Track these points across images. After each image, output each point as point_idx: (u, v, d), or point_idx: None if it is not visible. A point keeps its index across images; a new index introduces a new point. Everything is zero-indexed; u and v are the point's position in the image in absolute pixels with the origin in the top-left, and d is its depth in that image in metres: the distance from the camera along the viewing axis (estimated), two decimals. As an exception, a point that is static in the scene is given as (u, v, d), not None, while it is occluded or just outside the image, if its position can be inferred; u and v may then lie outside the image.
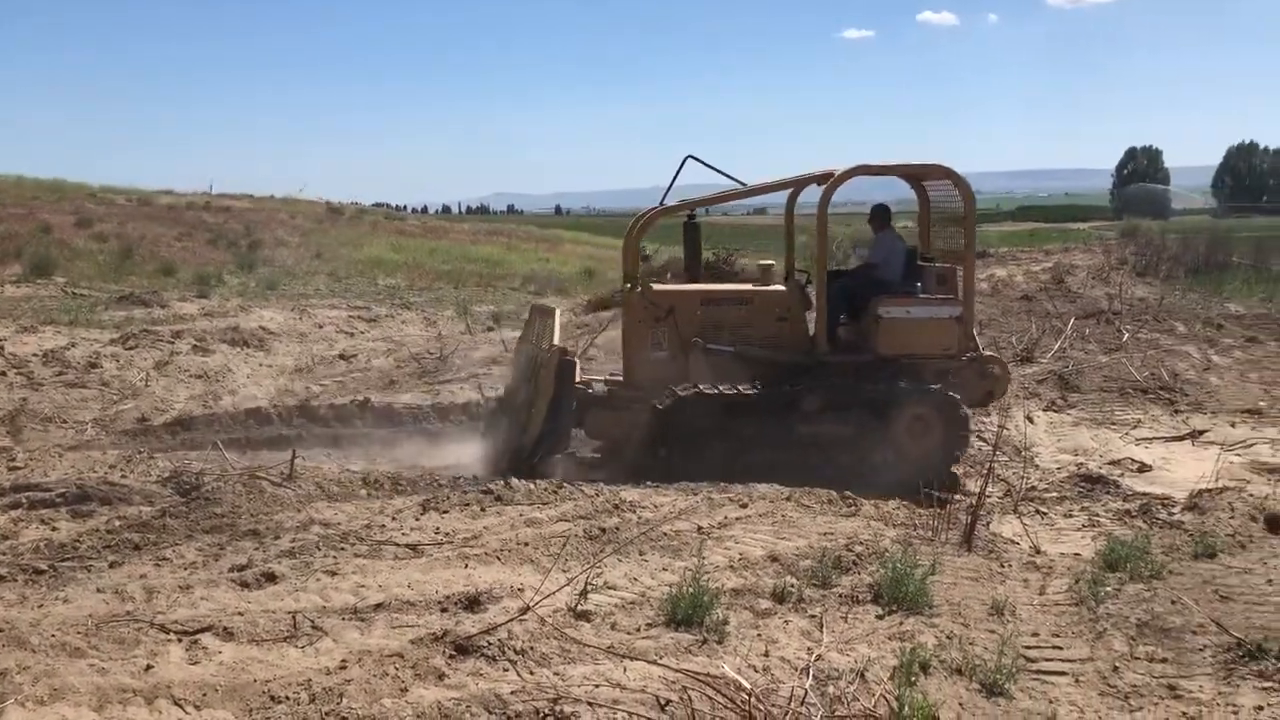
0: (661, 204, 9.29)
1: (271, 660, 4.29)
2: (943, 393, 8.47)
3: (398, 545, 6.00)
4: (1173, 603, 5.42)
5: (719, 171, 9.56)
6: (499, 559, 5.81)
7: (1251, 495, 7.51)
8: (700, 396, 8.13)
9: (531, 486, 7.18)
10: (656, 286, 9.05)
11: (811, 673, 4.31)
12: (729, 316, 8.86)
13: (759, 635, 4.85)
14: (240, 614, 4.79)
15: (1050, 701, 4.36)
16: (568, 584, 5.07)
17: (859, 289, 8.99)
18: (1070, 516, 7.52)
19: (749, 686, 3.87)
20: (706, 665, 4.36)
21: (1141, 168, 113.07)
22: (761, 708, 3.81)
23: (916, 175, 9.61)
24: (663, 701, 3.95)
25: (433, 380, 12.12)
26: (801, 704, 4.01)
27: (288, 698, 3.94)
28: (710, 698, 3.96)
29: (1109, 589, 5.62)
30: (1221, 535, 6.60)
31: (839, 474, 7.90)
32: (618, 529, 6.44)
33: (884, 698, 3.89)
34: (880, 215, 9.56)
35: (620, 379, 9.07)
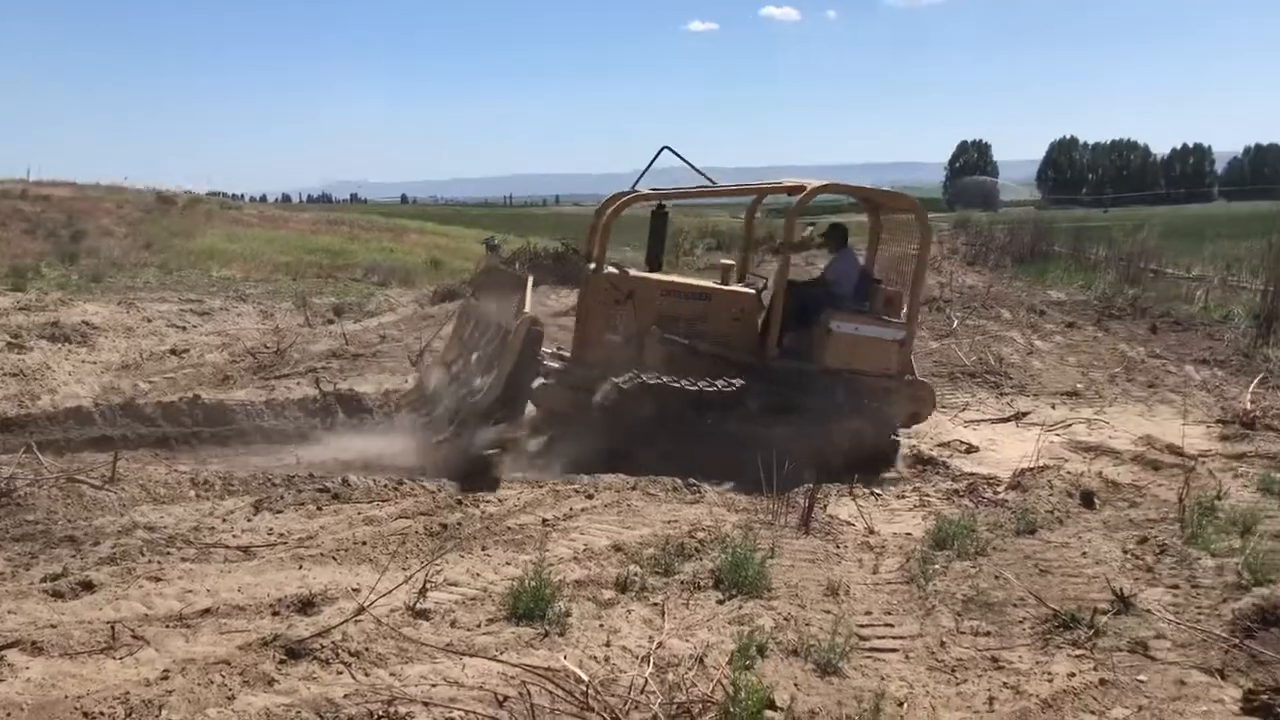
0: (634, 189, 9.32)
1: (86, 674, 4.05)
2: (878, 410, 8.74)
3: (228, 548, 5.77)
4: (996, 578, 5.66)
5: (692, 167, 9.68)
6: (335, 559, 5.65)
7: (1069, 473, 7.91)
8: (644, 388, 8.14)
9: (371, 484, 7.02)
10: (621, 270, 9.07)
11: (652, 661, 4.34)
12: (686, 310, 8.95)
13: (601, 626, 4.85)
14: (52, 626, 4.52)
15: (881, 678, 4.49)
16: (406, 582, 4.97)
17: (813, 301, 9.19)
18: (903, 497, 7.77)
19: (586, 678, 3.87)
20: (548, 659, 4.34)
21: (972, 161, 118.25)
22: (600, 698, 3.80)
23: (878, 202, 10.00)
24: (501, 698, 3.91)
25: (269, 375, 11.71)
26: (641, 692, 4.03)
27: (102, 713, 3.73)
28: (550, 691, 3.94)
29: (938, 567, 5.84)
30: (1041, 512, 6.94)
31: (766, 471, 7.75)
32: (460, 525, 6.34)
33: (720, 682, 3.94)
34: (838, 234, 9.79)
35: (568, 355, 9.09)
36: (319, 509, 6.61)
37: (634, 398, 8.10)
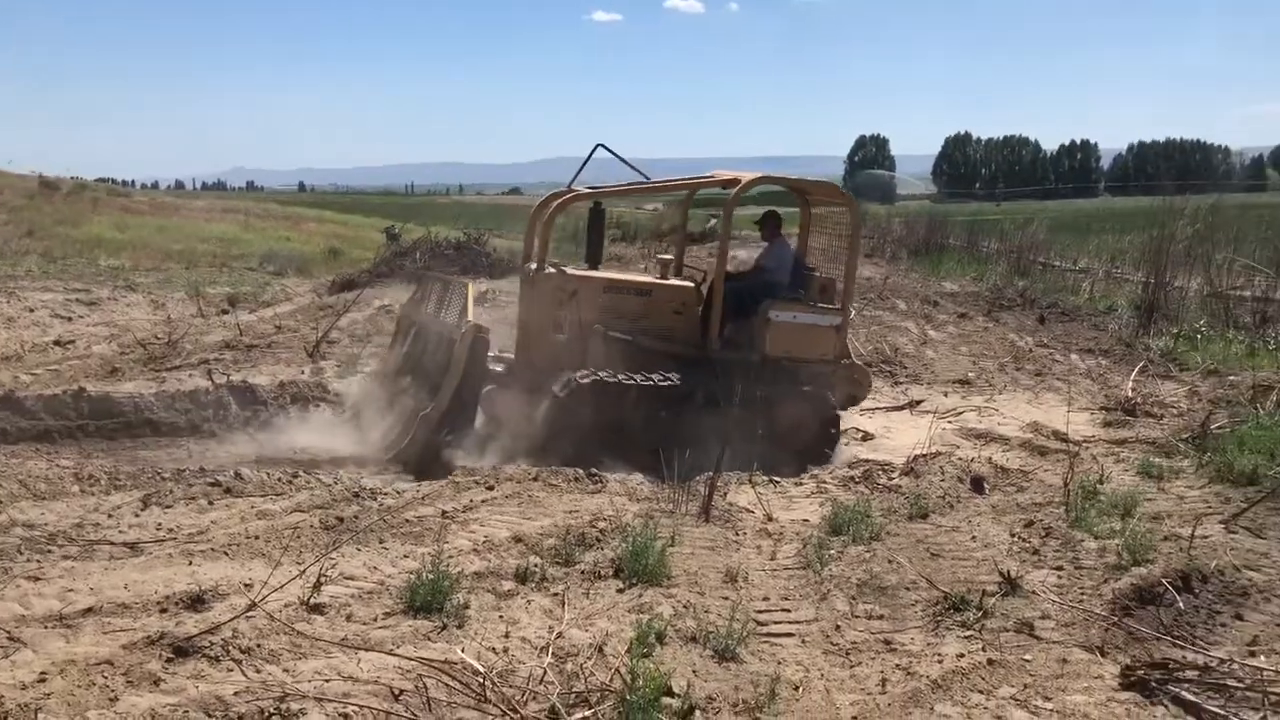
0: (569, 188, 9.37)
1: (-42, 679, 3.89)
2: (819, 394, 8.95)
3: (113, 544, 5.58)
4: (889, 562, 5.79)
5: (626, 163, 9.81)
6: (227, 554, 5.51)
7: (960, 459, 8.13)
8: (601, 384, 8.22)
9: (264, 477, 6.87)
10: (567, 270, 9.04)
11: (551, 651, 4.33)
12: (629, 305, 8.97)
13: (501, 617, 4.82)
14: (-79, 632, 4.32)
15: (778, 662, 4.56)
16: (300, 576, 4.87)
17: (750, 291, 9.28)
18: (800, 484, 7.89)
19: (484, 670, 3.85)
20: (445, 652, 4.29)
21: (870, 155, 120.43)
22: (498, 690, 3.78)
23: (806, 191, 10.14)
24: (396, 692, 3.86)
25: (160, 367, 11.35)
26: (540, 683, 4.02)
27: (-25, 718, 3.58)
28: (446, 685, 3.90)
29: (833, 552, 5.95)
30: (934, 497, 7.12)
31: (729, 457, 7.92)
32: (357, 517, 6.25)
33: (619, 671, 3.95)
34: (772, 222, 9.91)
35: (511, 356, 9.07)
36: (210, 503, 6.44)
37: (590, 393, 8.16)
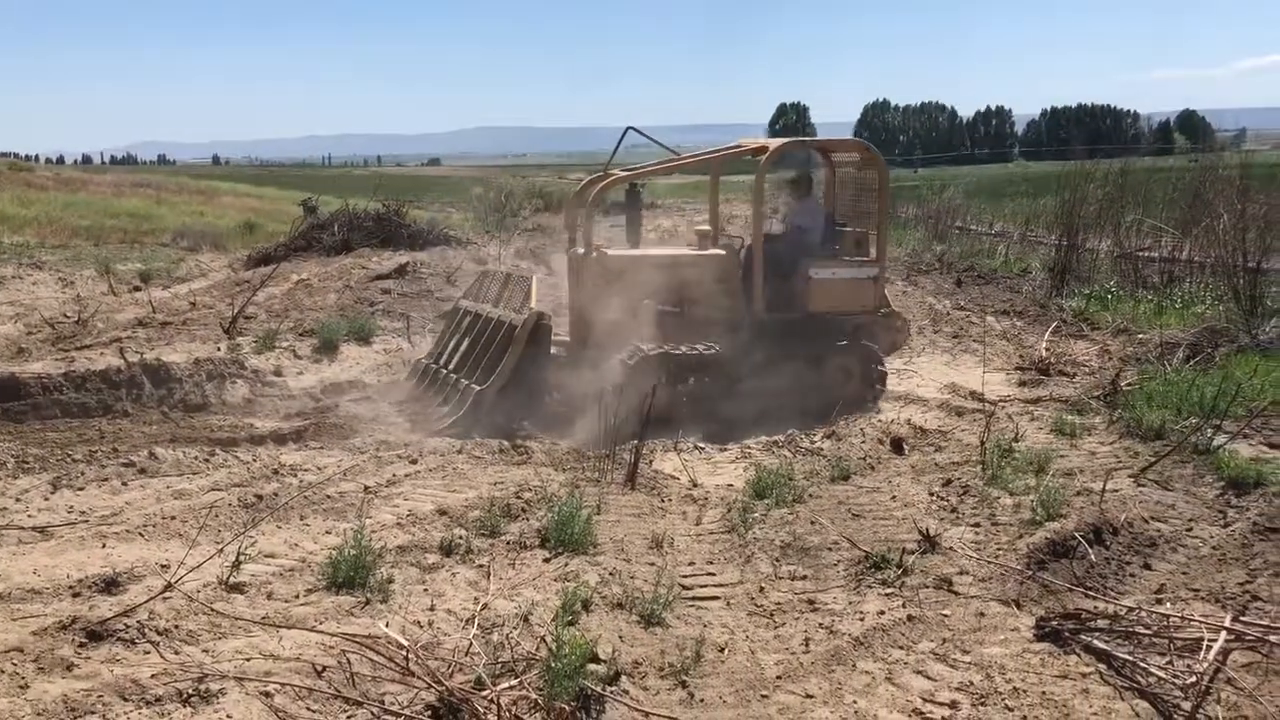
0: (605, 173, 9.61)
1: None
2: (865, 344, 9.38)
3: (22, 529, 5.44)
4: (812, 524, 5.87)
5: (656, 142, 10.25)
6: (143, 535, 5.40)
7: (880, 421, 8.25)
8: (665, 356, 8.62)
9: (180, 456, 6.72)
10: (609, 252, 9.25)
11: (476, 622, 4.31)
12: (673, 279, 9.20)
13: (425, 590, 4.79)
14: None
15: (704, 625, 4.60)
16: (218, 555, 4.78)
17: (788, 252, 9.48)
18: (725, 449, 7.94)
19: (407, 643, 3.82)
20: (369, 627, 4.25)
21: (791, 123, 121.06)
22: (422, 663, 3.76)
23: (832, 149, 10.41)
24: (319, 668, 3.82)
25: (69, 347, 11.03)
26: (465, 654, 4.00)
27: (-122, 711, 3.46)
28: (370, 659, 3.87)
29: (757, 515, 6.01)
30: (855, 459, 7.22)
31: (783, 413, 8.60)
32: (276, 495, 6.15)
33: (544, 640, 3.95)
34: (803, 183, 10.19)
35: (567, 339, 9.38)
36: (124, 484, 6.30)
37: (646, 367, 8.49)
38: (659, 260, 9.45)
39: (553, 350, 9.09)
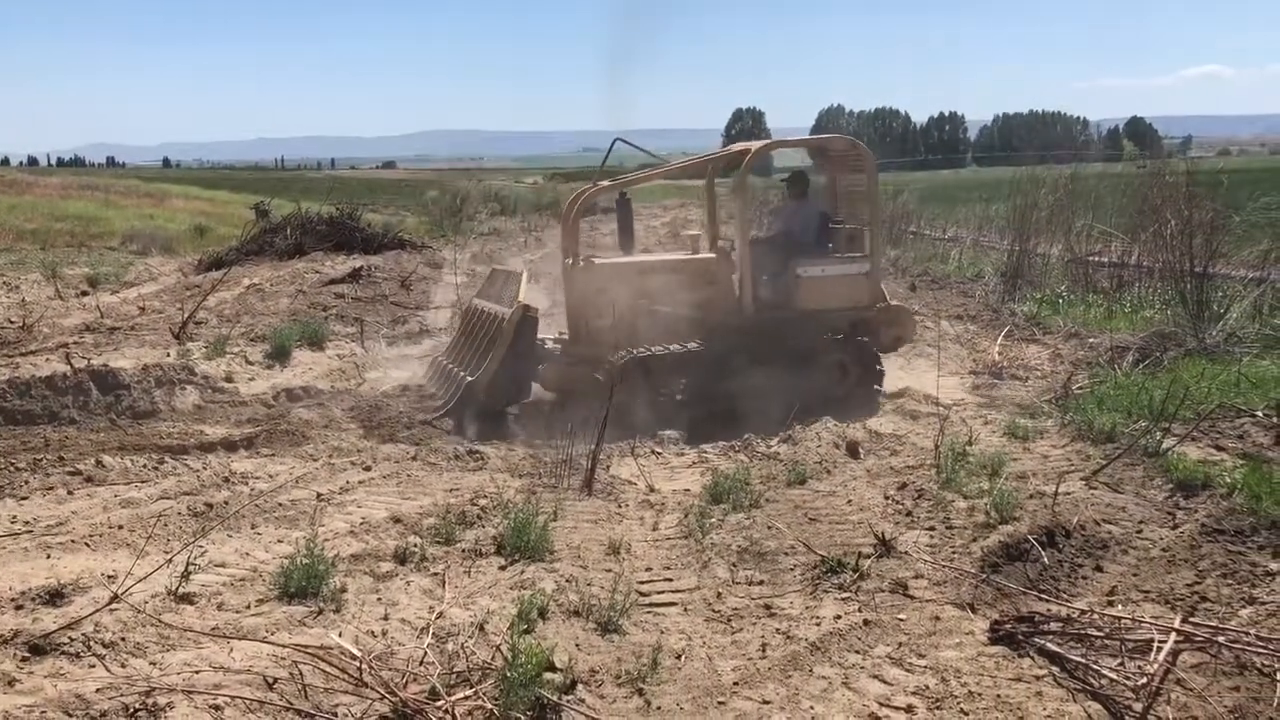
0: (594, 184, 9.79)
1: None
2: (858, 340, 9.52)
3: (-37, 541, 5.30)
4: (769, 528, 5.87)
5: (644, 151, 10.40)
6: (89, 545, 5.30)
7: (835, 424, 8.26)
8: (652, 358, 8.81)
9: (128, 464, 6.60)
10: (596, 260, 9.47)
11: (431, 631, 4.26)
12: (664, 283, 9.35)
13: (379, 599, 4.73)
14: None
15: (661, 632, 4.59)
16: (167, 565, 4.70)
17: (779, 252, 9.62)
18: (682, 454, 7.93)
19: (360, 654, 3.77)
20: (321, 637, 4.19)
21: (747, 128, 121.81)
22: (376, 674, 3.71)
23: (823, 147, 10.54)
24: (270, 680, 3.75)
25: (13, 352, 10.81)
26: (420, 664, 3.96)
27: None
28: (323, 670, 3.81)
29: (714, 520, 6.01)
30: (811, 463, 7.24)
31: (775, 412, 8.57)
32: (227, 503, 6.06)
33: (500, 649, 3.92)
34: (799, 182, 10.40)
35: (566, 337, 9.59)
36: (70, 493, 6.18)
37: (635, 369, 8.69)
38: (648, 266, 9.61)
39: (550, 346, 9.49)
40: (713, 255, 9.86)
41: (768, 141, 10.10)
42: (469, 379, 8.72)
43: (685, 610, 4.87)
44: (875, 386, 9.52)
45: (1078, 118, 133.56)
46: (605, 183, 9.78)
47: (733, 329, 9.23)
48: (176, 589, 4.61)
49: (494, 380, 8.68)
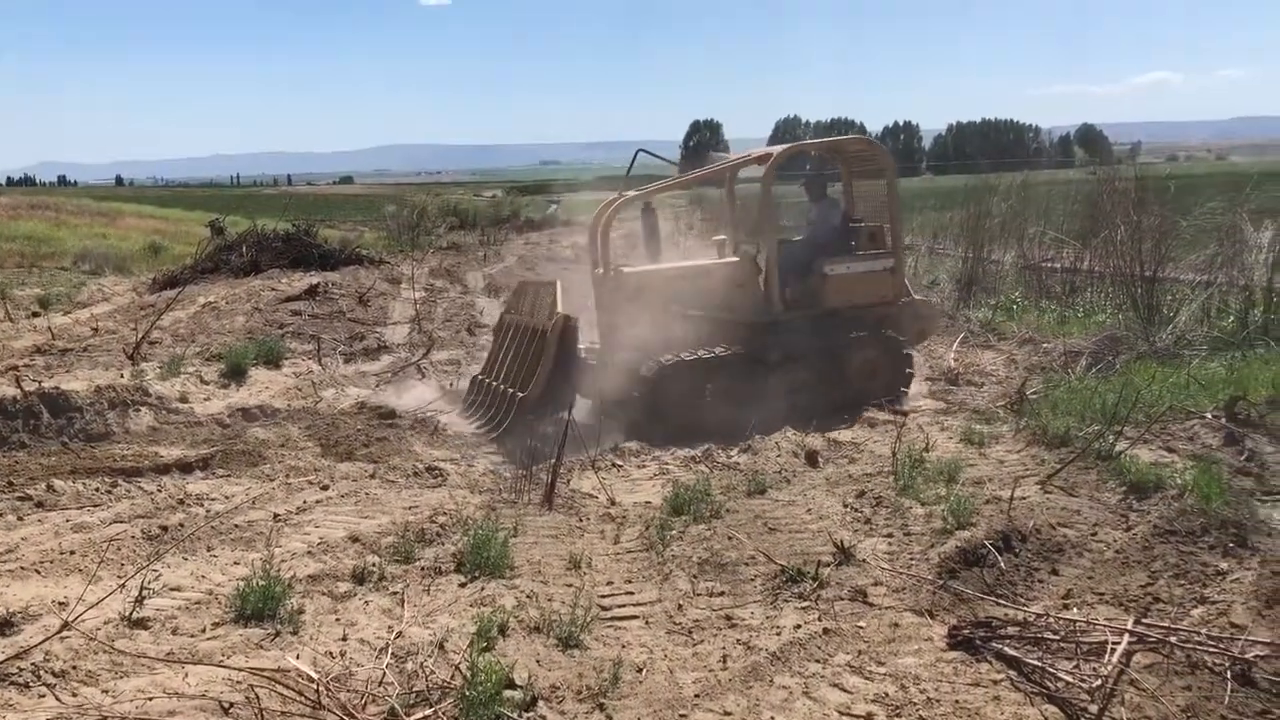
0: (620, 194, 9.92)
1: None
2: (887, 335, 9.70)
3: (-90, 570, 5.20)
4: (729, 539, 5.88)
5: (666, 161, 10.97)
6: (39, 572, 5.20)
7: (794, 433, 8.30)
8: (683, 363, 8.93)
9: (80, 488, 6.50)
10: (625, 269, 9.55)
11: (390, 651, 4.24)
12: (694, 288, 9.53)
13: (337, 620, 4.69)
14: None
15: (622, 646, 4.58)
16: (120, 590, 4.63)
17: (804, 252, 9.89)
18: (643, 467, 7.93)
19: (317, 676, 3.73)
20: (278, 660, 4.15)
21: (705, 139, 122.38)
22: (334, 696, 3.68)
23: (840, 149, 10.84)
24: (226, 705, 3.71)
25: (-39, 376, 10.61)
26: (379, 685, 3.93)
27: None
28: (280, 694, 3.77)
29: (675, 532, 6.01)
30: (770, 472, 7.27)
31: (808, 410, 8.84)
32: (182, 525, 5.98)
33: (459, 667, 3.89)
34: (817, 185, 10.74)
35: (598, 347, 9.70)
36: (20, 519, 6.08)
37: (674, 372, 8.85)
38: (676, 273, 9.77)
39: (588, 357, 9.60)
40: (738, 259, 10.01)
41: (790, 145, 10.42)
42: (520, 395, 8.85)
43: (646, 623, 4.87)
44: (904, 385, 9.76)
45: (1030, 125, 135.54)
46: (631, 193, 9.94)
47: (763, 330, 9.44)
48: (130, 614, 4.55)
49: (545, 393, 8.84)
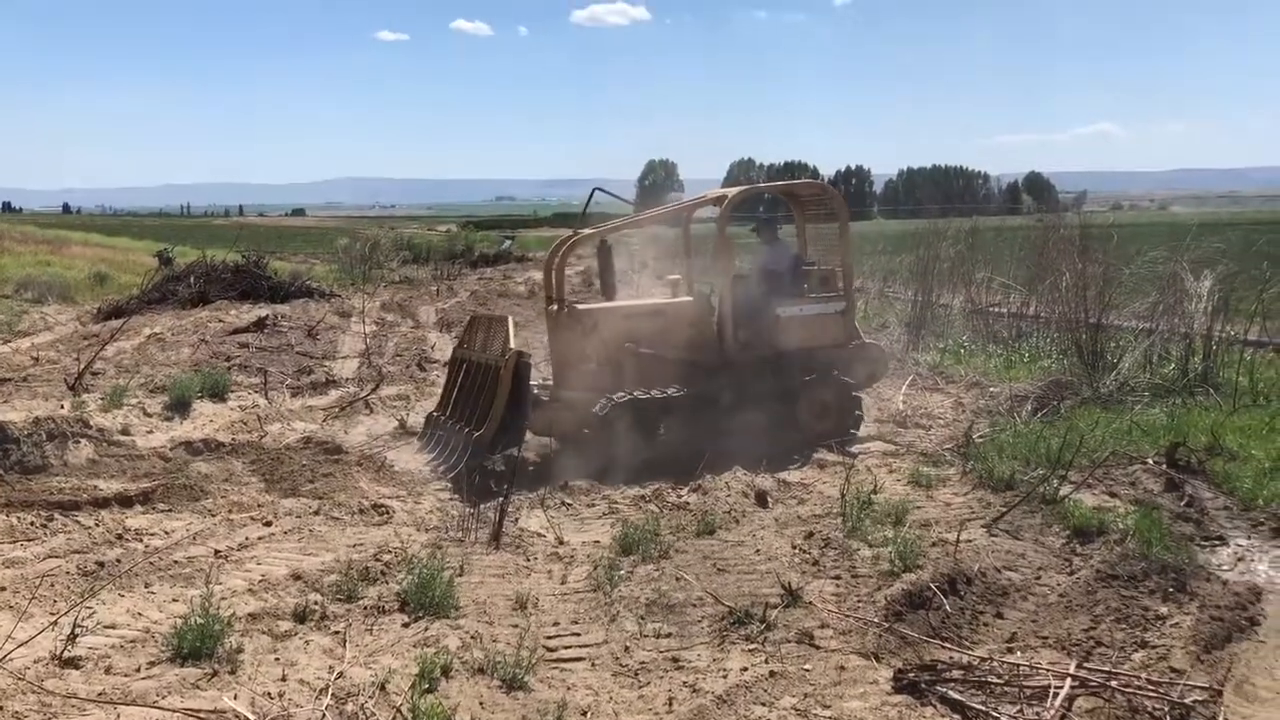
0: (575, 232, 9.98)
1: None
2: (836, 377, 9.74)
3: None
4: (677, 579, 5.85)
5: (622, 199, 11.19)
6: (-32, 609, 5.05)
7: (744, 473, 8.31)
8: (635, 402, 8.90)
9: (14, 522, 6.34)
10: (580, 306, 9.65)
11: (330, 692, 4.16)
12: (647, 327, 9.55)
13: (277, 659, 4.60)
14: None
15: (567, 688, 4.53)
16: (52, 628, 4.51)
17: (756, 294, 9.94)
18: (592, 505, 7.89)
19: (254, 716, 3.65)
20: (215, 700, 4.05)
21: (660, 179, 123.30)
22: (270, 738, 3.60)
23: (794, 192, 10.99)
24: (159, 748, 3.62)
25: (-106, 405, 10.35)
26: (318, 727, 3.85)
27: None
28: (215, 735, 3.68)
29: (623, 572, 5.97)
30: (720, 512, 7.26)
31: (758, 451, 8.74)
32: (120, 561, 5.85)
33: (400, 710, 3.83)
34: (768, 228, 10.85)
35: (551, 383, 9.76)
36: (-51, 555, 5.90)
37: (626, 411, 8.80)
38: (630, 311, 9.77)
39: (537, 391, 9.51)
40: (692, 299, 10.05)
41: (745, 188, 10.54)
42: (476, 434, 8.71)
43: (593, 665, 4.82)
44: (853, 426, 9.79)
45: (979, 172, 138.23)
46: (586, 231, 9.97)
47: (714, 370, 9.49)
48: (61, 653, 4.42)
49: (499, 430, 8.73)
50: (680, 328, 9.68)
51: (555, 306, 9.64)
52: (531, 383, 9.49)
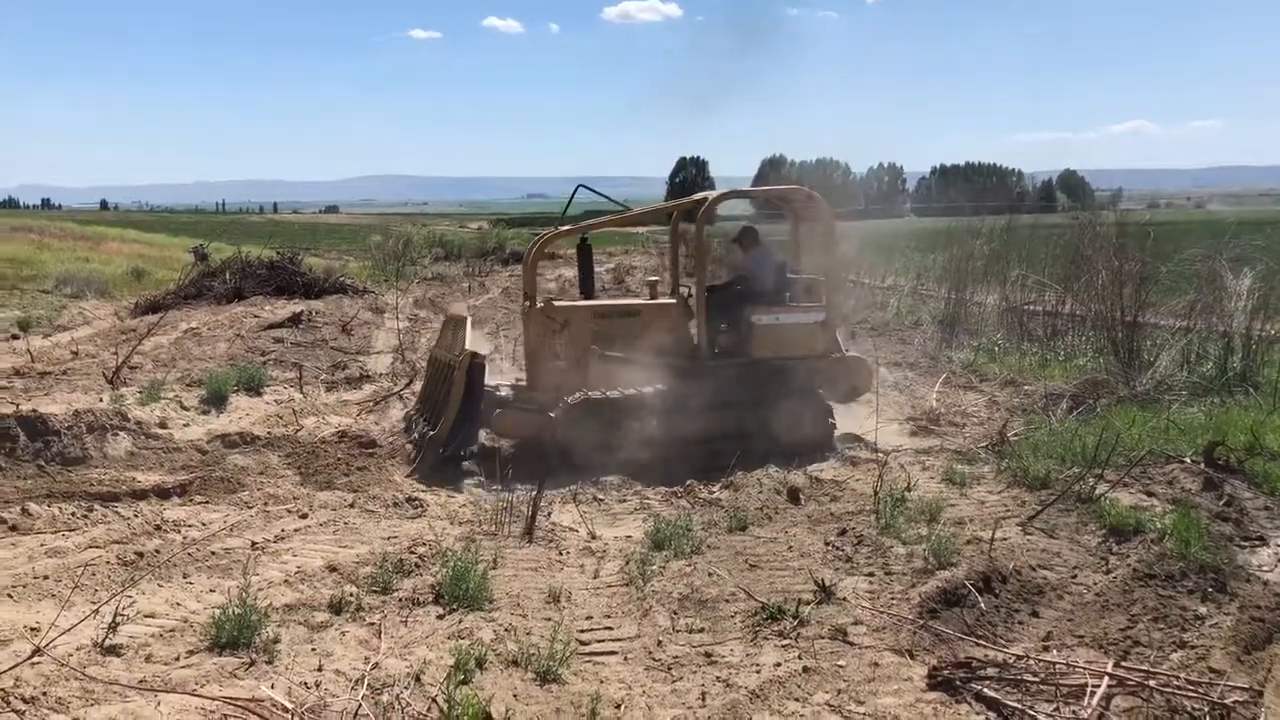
0: (556, 228, 10.05)
1: None
2: (811, 389, 9.54)
3: (-120, 592, 5.12)
4: (710, 575, 5.86)
5: (606, 197, 10.81)
6: (11, 597, 5.14)
7: (777, 471, 8.29)
8: (592, 403, 8.82)
9: (56, 512, 6.43)
10: (556, 304, 9.60)
11: (366, 683, 4.19)
12: (620, 328, 9.51)
13: (314, 650, 4.64)
14: None
15: (600, 681, 4.54)
16: (94, 616, 4.57)
17: (734, 301, 9.82)
18: (624, 501, 7.91)
19: (292, 705, 3.69)
20: (252, 689, 4.10)
21: (691, 176, 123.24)
22: (308, 727, 3.63)
23: (784, 198, 10.73)
24: (199, 734, 3.66)
25: (-62, 398, 10.51)
26: (354, 717, 3.88)
27: None
28: (253, 723, 3.72)
29: (655, 568, 5.98)
30: (752, 509, 7.25)
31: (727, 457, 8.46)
32: (158, 551, 5.92)
33: (436, 700, 3.85)
34: (749, 236, 10.46)
35: (524, 383, 9.67)
36: (-7, 543, 5.99)
37: (582, 412, 8.74)
38: (601, 310, 9.70)
39: (507, 392, 9.49)
40: (672, 301, 9.96)
41: (724, 191, 10.26)
42: (431, 433, 8.67)
43: (625, 659, 4.83)
44: (825, 440, 9.52)
45: (1013, 170, 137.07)
46: (566, 227, 9.91)
47: (688, 374, 9.32)
48: (103, 641, 4.49)
49: (451, 433, 8.61)
50: (656, 330, 9.54)
51: (529, 302, 9.57)
52: (502, 383, 9.55)
